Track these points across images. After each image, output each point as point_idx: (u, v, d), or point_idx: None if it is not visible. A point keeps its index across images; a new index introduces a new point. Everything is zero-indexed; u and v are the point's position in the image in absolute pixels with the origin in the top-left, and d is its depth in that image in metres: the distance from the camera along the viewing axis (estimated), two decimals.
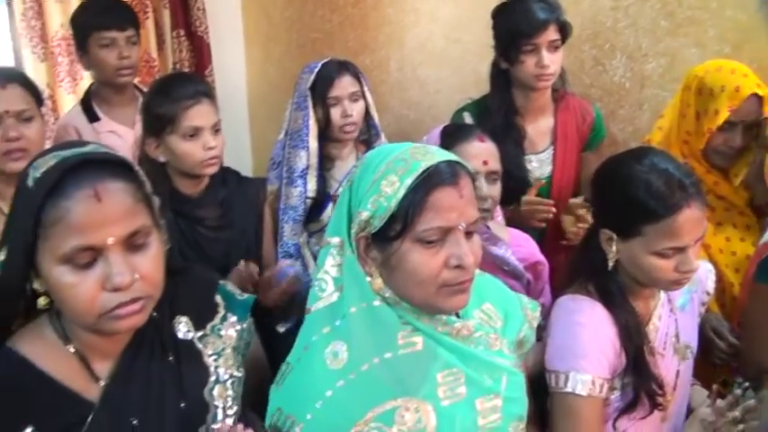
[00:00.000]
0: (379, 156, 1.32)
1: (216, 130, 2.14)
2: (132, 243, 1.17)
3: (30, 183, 1.14)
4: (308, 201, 2.49)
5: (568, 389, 1.56)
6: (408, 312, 1.32)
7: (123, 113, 2.78)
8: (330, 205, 2.53)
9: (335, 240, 1.33)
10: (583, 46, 2.74)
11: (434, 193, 1.25)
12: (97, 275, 1.14)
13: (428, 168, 1.26)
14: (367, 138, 2.61)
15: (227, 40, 4.01)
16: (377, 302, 1.30)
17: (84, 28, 2.71)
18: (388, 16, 3.39)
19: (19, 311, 1.26)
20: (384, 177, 1.27)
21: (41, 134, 2.05)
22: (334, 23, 3.63)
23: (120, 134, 2.73)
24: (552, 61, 2.34)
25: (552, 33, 2.32)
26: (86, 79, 3.50)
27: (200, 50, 3.78)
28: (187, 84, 2.16)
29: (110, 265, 1.14)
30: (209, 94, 2.16)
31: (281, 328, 2.27)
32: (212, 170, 2.16)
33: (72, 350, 1.25)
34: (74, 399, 1.23)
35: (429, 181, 1.25)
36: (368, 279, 1.31)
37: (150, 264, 1.20)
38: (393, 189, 1.25)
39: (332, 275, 1.32)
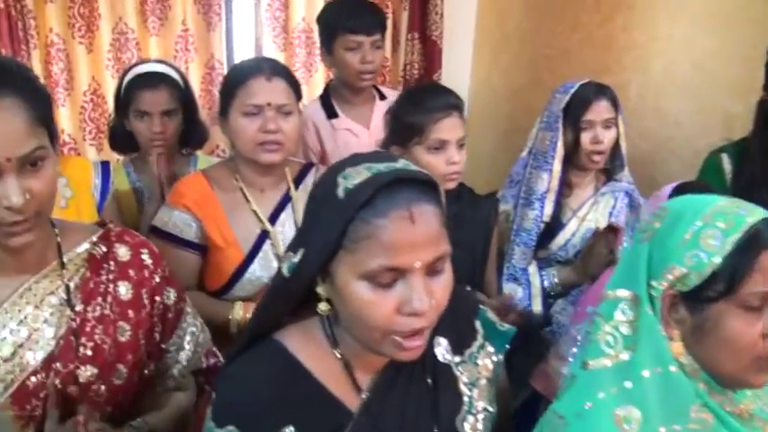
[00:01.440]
0: (692, 207, 1.21)
1: (461, 145, 2.08)
2: (433, 268, 1.12)
3: (340, 193, 1.10)
4: (542, 225, 2.38)
5: None
6: (701, 384, 1.20)
7: (360, 112, 2.78)
8: (561, 233, 2.42)
9: (626, 294, 1.23)
10: None
11: (764, 254, 1.14)
12: (396, 296, 1.09)
13: (754, 225, 1.15)
14: (610, 168, 2.46)
15: (457, 45, 3.95)
16: (673, 368, 1.19)
17: (332, 28, 2.70)
18: (637, 40, 3.19)
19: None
20: (703, 230, 1.16)
21: (297, 129, 2.05)
22: (574, 41, 3.48)
23: (355, 132, 2.74)
24: None
25: None
26: (320, 72, 3.61)
27: (431, 54, 3.76)
28: (440, 95, 2.10)
29: (411, 289, 1.09)
30: (459, 107, 2.09)
31: None
32: (452, 185, 2.10)
33: (338, 355, 1.22)
34: (336, 405, 1.21)
35: (757, 240, 1.14)
36: (667, 342, 1.20)
37: (444, 290, 1.14)
38: (717, 244, 1.14)
39: (622, 332, 1.21)
